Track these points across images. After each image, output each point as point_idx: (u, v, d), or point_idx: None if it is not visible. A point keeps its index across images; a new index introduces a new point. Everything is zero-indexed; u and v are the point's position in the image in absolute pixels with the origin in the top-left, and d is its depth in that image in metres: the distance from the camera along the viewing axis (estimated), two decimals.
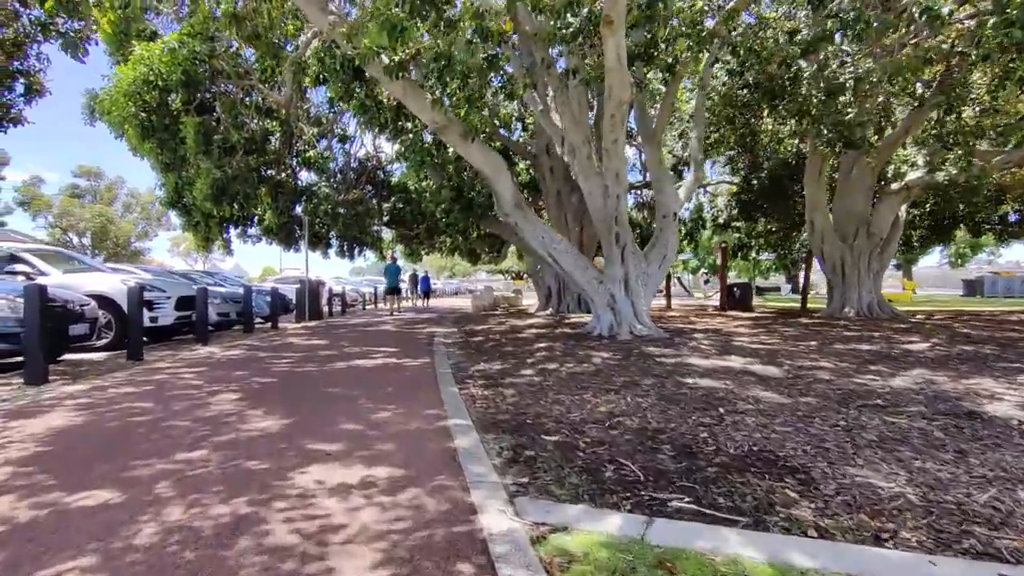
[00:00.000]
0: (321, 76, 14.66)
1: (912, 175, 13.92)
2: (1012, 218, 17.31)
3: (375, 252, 25.08)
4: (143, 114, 11.76)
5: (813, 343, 8.36)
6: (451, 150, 13.03)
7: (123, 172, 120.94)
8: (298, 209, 17.68)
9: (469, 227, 19.72)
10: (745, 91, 11.65)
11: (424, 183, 17.65)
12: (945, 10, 7.34)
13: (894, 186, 13.49)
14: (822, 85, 11.23)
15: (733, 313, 16.57)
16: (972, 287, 34.42)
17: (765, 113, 12.74)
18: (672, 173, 16.07)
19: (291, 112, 13.50)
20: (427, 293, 26.62)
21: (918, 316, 13.84)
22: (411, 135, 7.96)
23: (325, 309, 18.25)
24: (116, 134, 12.78)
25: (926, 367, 6.14)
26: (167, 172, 13.66)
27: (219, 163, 11.76)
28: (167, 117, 12.24)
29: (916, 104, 10.78)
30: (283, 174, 16.29)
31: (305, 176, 18.09)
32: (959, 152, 10.95)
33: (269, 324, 13.91)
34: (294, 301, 16.98)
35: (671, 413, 4.22)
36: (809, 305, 19.18)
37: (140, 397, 5.03)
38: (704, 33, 7.47)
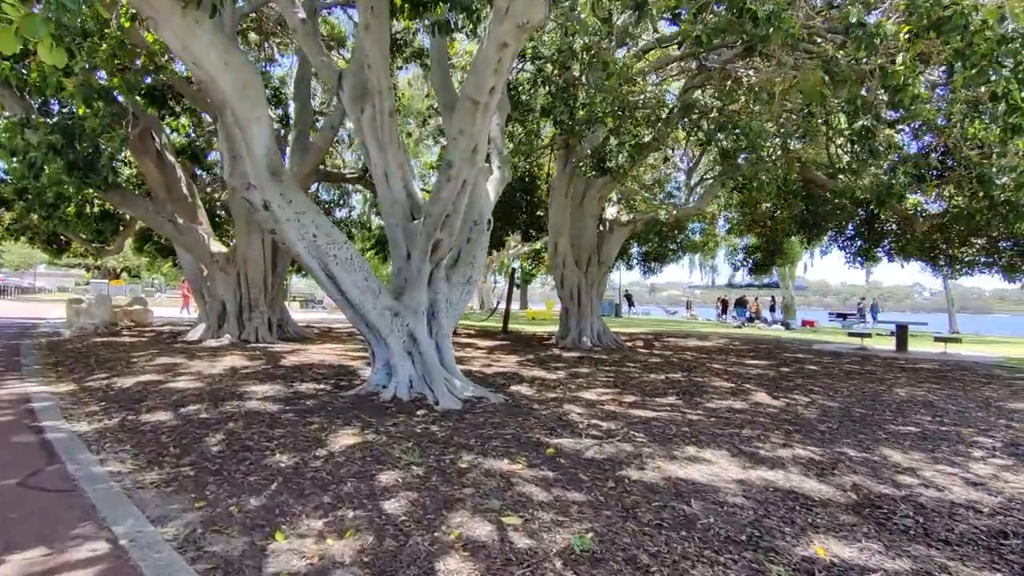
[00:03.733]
0: None
1: (614, 210, 14.72)
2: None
3: None
4: None
5: (679, 401, 6.82)
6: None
7: None
8: None
9: (75, 199, 12.39)
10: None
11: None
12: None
13: (623, 218, 13.85)
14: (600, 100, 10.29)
15: (464, 340, 14.57)
16: None
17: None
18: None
19: None
20: None
21: (629, 344, 14.52)
22: None
23: None
24: None
25: (854, 446, 5.10)
26: None
27: None
28: None
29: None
30: None
31: None
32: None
33: None
34: None
35: None
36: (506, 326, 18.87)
37: None
38: None
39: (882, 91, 6.89)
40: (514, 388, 7.23)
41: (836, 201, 15.12)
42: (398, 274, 6.66)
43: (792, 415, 6.18)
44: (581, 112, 10.19)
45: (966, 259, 14.95)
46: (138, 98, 10.22)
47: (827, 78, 6.68)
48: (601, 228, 14.21)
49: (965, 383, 9.20)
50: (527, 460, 4.10)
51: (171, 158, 11.98)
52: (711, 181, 14.03)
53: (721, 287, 37.79)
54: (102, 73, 9.61)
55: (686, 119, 9.97)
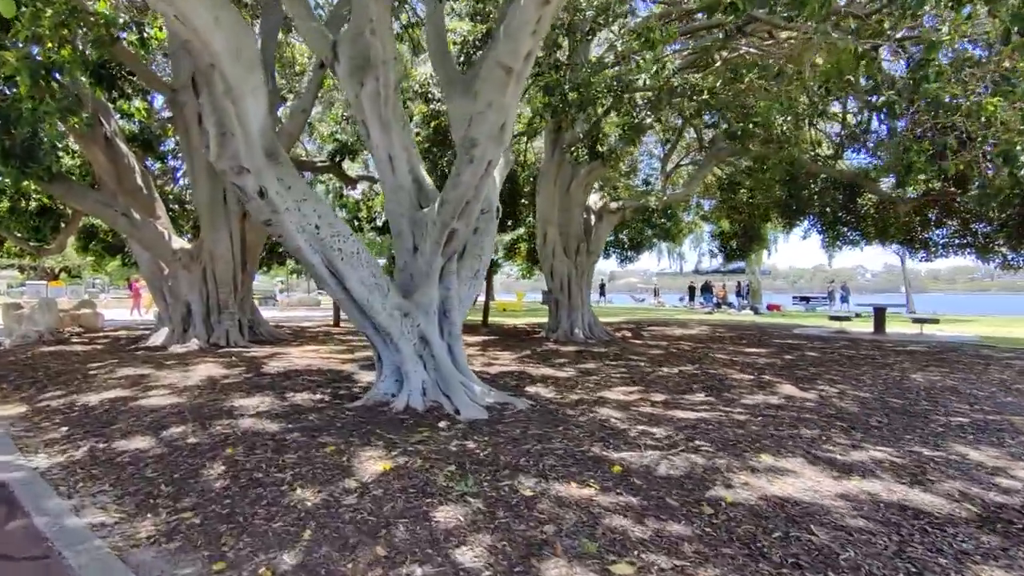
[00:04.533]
0: None
1: (596, 198, 14.27)
2: None
3: None
4: None
5: (712, 399, 6.40)
6: None
7: None
8: None
9: (11, 191, 11.12)
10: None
11: None
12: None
13: (613, 205, 13.40)
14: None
15: None
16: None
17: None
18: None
19: None
20: None
21: (618, 335, 14.14)
22: None
23: None
24: None
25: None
26: None
27: None
28: None
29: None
30: None
31: None
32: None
33: None
34: None
35: None
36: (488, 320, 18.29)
37: None
38: None
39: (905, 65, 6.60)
40: (531, 390, 6.67)
41: (812, 185, 15.14)
42: (403, 269, 5.97)
43: (834, 409, 5.84)
44: (573, 94, 9.63)
45: (942, 241, 15.19)
46: (83, 78, 9.03)
47: (860, 49, 6.32)
48: (586, 216, 13.74)
49: (967, 365, 9.17)
50: (597, 482, 3.55)
51: (122, 146, 10.79)
52: (691, 167, 13.74)
53: (688, 274, 38.15)
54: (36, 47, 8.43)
55: (685, 99, 9.54)
